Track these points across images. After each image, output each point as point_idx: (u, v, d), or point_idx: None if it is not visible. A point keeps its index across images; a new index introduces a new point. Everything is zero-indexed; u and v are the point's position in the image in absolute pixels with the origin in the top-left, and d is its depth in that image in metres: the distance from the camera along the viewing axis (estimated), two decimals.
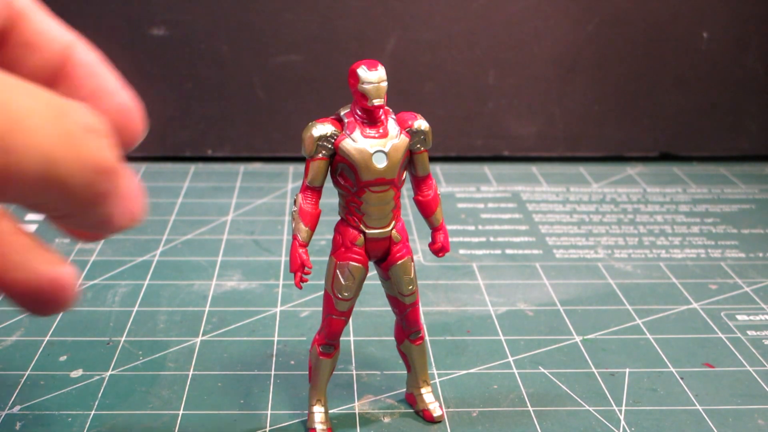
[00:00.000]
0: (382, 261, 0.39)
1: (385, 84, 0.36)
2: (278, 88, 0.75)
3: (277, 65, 0.75)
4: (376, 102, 0.36)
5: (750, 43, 0.77)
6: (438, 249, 0.40)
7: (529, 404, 0.42)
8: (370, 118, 0.37)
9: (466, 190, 0.72)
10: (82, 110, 0.23)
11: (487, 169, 0.77)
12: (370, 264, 0.39)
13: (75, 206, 0.23)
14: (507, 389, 0.44)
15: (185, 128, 0.76)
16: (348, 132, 0.37)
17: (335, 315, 0.38)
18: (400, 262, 0.38)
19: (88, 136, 0.23)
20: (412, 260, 0.39)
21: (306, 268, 0.37)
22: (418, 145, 0.38)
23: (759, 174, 0.77)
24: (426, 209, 0.39)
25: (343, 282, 0.38)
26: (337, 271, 0.38)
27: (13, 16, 0.29)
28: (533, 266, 0.58)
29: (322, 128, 0.37)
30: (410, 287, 0.39)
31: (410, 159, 0.38)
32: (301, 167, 0.75)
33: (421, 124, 0.38)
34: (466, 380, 0.45)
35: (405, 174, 0.39)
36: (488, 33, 0.75)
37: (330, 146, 0.37)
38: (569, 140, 0.78)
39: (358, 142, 0.36)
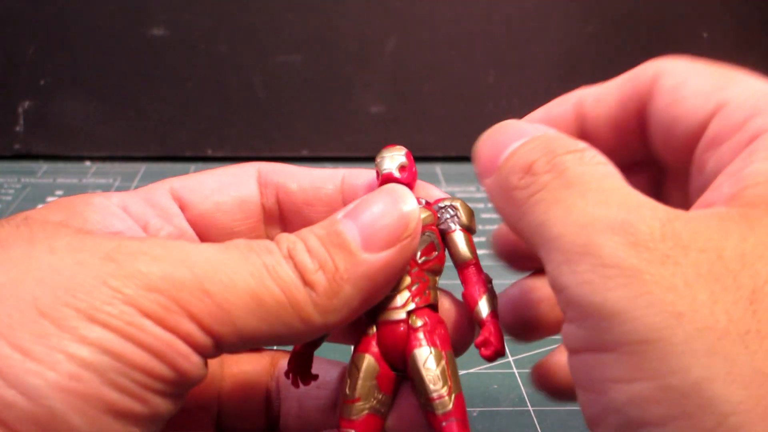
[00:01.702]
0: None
1: (401, 158, 0.30)
2: (278, 88, 0.75)
3: (277, 65, 0.75)
4: (384, 171, 0.29)
5: (750, 43, 0.77)
6: (481, 343, 0.29)
7: (529, 404, 0.42)
8: None
9: (466, 190, 0.72)
10: (267, 244, 0.24)
11: None
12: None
13: (297, 326, 0.24)
14: (507, 389, 0.44)
15: (185, 128, 0.76)
16: None
17: (343, 426, 0.28)
18: (417, 350, 0.28)
19: (281, 260, 0.24)
20: (444, 357, 0.28)
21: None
22: (450, 224, 0.30)
23: None
24: (468, 302, 0.30)
25: (347, 379, 0.28)
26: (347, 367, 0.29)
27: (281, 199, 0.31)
28: None
29: None
30: (437, 386, 0.28)
31: (446, 243, 0.30)
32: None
33: (451, 201, 0.30)
34: (466, 380, 0.45)
35: (435, 255, 0.30)
36: (488, 33, 0.75)
37: None
38: None
39: None
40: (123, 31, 0.73)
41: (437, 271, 0.30)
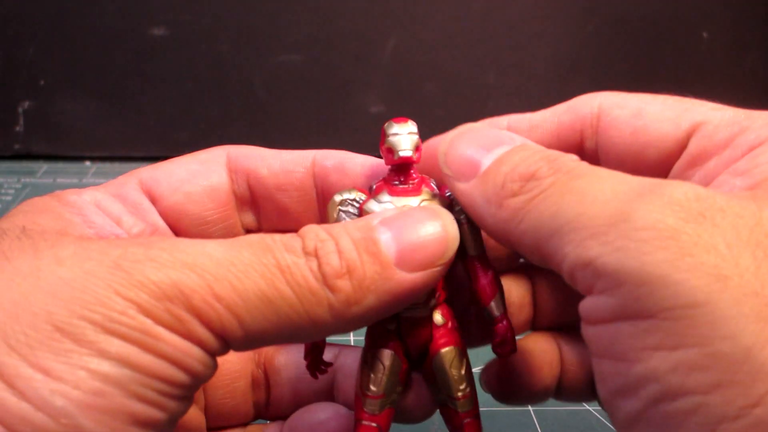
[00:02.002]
0: (425, 357, 0.30)
1: (415, 137, 0.29)
2: (278, 88, 0.75)
3: (277, 65, 0.75)
4: (402, 153, 0.29)
5: (750, 43, 0.77)
6: (499, 343, 0.30)
7: (529, 404, 0.42)
8: (401, 179, 0.29)
9: None
10: (287, 240, 0.23)
11: None
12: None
13: (315, 321, 0.23)
14: None
15: (185, 128, 0.76)
16: (375, 195, 0.30)
17: (365, 420, 0.29)
18: (443, 350, 0.29)
19: (299, 260, 0.23)
20: (465, 355, 0.30)
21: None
22: (462, 216, 0.29)
23: None
24: (481, 297, 0.30)
25: (370, 374, 0.29)
26: (364, 360, 0.30)
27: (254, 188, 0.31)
28: None
29: (345, 193, 0.30)
30: (462, 386, 0.29)
31: None
32: None
33: None
34: None
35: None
36: (488, 33, 0.75)
37: (354, 211, 0.30)
38: None
39: (383, 203, 0.29)
40: (123, 31, 0.73)
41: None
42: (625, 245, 0.20)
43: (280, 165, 0.31)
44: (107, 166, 0.75)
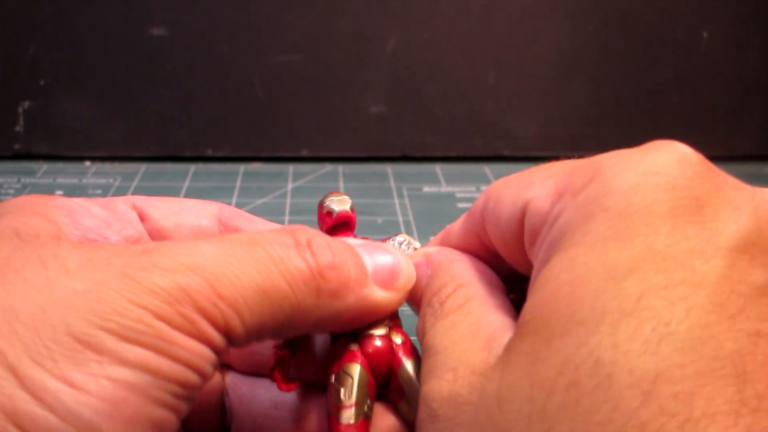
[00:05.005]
0: (389, 384, 0.30)
1: (350, 201, 0.32)
2: (278, 88, 0.75)
3: (277, 65, 0.75)
4: (340, 209, 0.32)
5: (750, 43, 0.77)
6: None
7: None
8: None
9: (466, 189, 0.72)
10: (277, 235, 0.25)
11: (487, 169, 0.77)
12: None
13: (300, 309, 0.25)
14: None
15: (185, 128, 0.76)
16: None
17: (345, 431, 0.28)
18: (408, 360, 0.29)
19: (291, 251, 0.25)
20: None
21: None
22: (408, 249, 0.32)
23: (759, 174, 0.77)
24: None
25: (340, 388, 0.29)
26: (331, 379, 0.29)
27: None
28: None
29: None
30: None
31: None
32: (301, 168, 0.76)
33: (397, 235, 0.33)
34: None
35: None
36: (488, 33, 0.75)
37: None
38: (569, 140, 0.78)
39: None
40: (123, 31, 0.73)
41: None
42: None
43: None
44: (107, 166, 0.75)
